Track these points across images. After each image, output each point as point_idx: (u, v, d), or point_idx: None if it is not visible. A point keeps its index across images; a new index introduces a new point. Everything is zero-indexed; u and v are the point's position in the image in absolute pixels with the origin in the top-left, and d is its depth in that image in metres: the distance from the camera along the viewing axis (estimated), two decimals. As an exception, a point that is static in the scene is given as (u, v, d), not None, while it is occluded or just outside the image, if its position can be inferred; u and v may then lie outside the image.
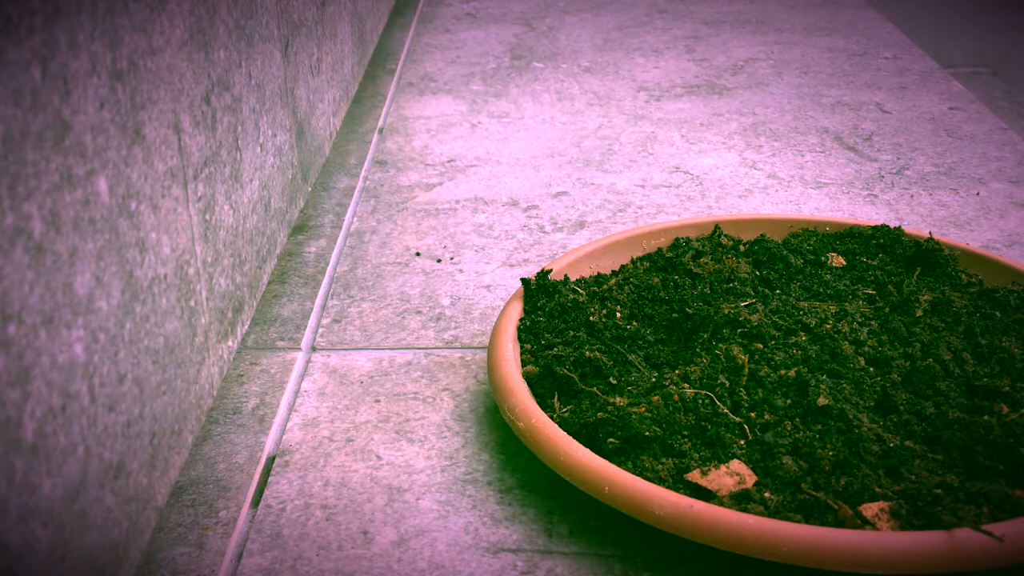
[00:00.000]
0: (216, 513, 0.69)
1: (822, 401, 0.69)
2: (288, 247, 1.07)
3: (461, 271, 1.02)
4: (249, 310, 0.92)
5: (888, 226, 0.95)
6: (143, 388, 0.65)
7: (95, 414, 0.57)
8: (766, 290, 0.86)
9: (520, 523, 0.68)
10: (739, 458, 0.66)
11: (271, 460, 0.75)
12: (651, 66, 1.66)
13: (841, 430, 0.67)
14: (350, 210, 1.16)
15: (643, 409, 0.69)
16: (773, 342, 0.76)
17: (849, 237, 0.95)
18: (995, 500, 0.61)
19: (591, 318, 0.82)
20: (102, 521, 0.58)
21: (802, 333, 0.78)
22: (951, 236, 1.06)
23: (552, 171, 1.25)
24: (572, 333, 0.80)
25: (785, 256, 0.90)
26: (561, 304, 0.84)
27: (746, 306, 0.82)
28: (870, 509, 0.61)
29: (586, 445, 0.68)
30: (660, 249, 0.94)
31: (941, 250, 0.90)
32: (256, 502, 0.70)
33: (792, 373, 0.72)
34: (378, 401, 0.81)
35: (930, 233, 0.93)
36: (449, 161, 1.29)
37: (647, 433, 0.68)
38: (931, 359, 0.75)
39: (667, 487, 0.64)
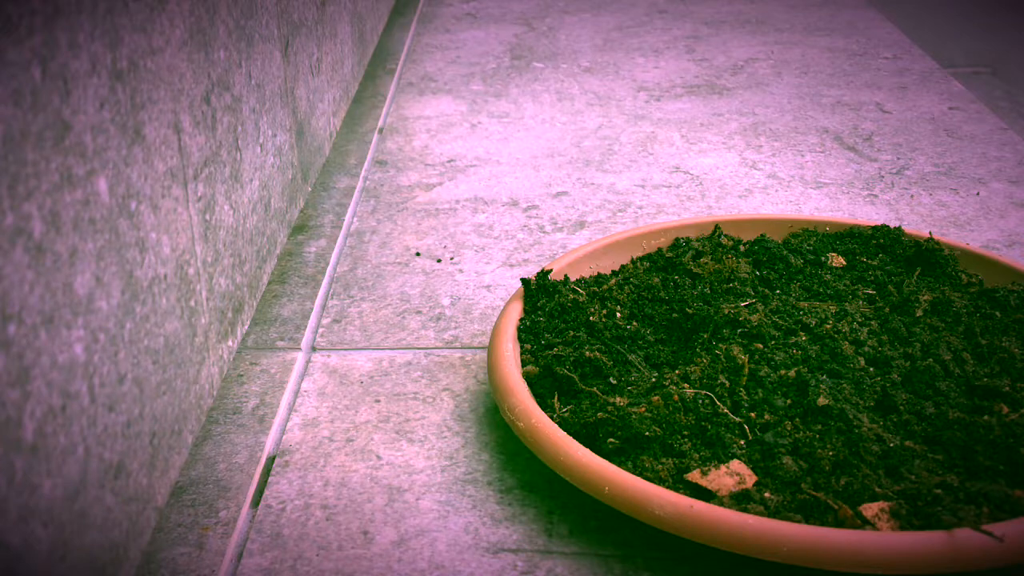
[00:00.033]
0: (216, 513, 0.69)
1: (822, 401, 0.69)
2: (288, 247, 1.07)
3: (461, 271, 1.02)
4: (249, 310, 0.92)
5: (888, 226, 0.95)
6: (143, 388, 0.65)
7: (95, 414, 0.57)
8: (766, 290, 0.86)
9: (520, 523, 0.68)
10: (739, 458, 0.66)
11: (271, 460, 0.75)
12: (651, 66, 1.66)
13: (841, 430, 0.67)
14: (350, 210, 1.16)
15: (643, 409, 0.69)
16: (773, 342, 0.76)
17: (849, 237, 0.95)
18: (995, 500, 0.61)
19: (591, 318, 0.82)
20: (102, 521, 0.58)
21: (802, 333, 0.78)
22: (951, 236, 1.06)
23: (552, 171, 1.25)
24: (572, 333, 0.80)
25: (785, 256, 0.90)
26: (561, 304, 0.84)
27: (746, 306, 0.82)
28: (870, 509, 0.61)
29: (586, 445, 0.68)
30: (660, 249, 0.94)
31: (941, 250, 0.90)
32: (256, 502, 0.70)
33: (792, 373, 0.72)
34: (378, 401, 0.81)
35: (930, 233, 0.93)
36: (449, 161, 1.29)
37: (647, 433, 0.68)
38: (931, 359, 0.75)
39: (667, 487, 0.64)
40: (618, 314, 0.83)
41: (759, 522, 0.59)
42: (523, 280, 0.86)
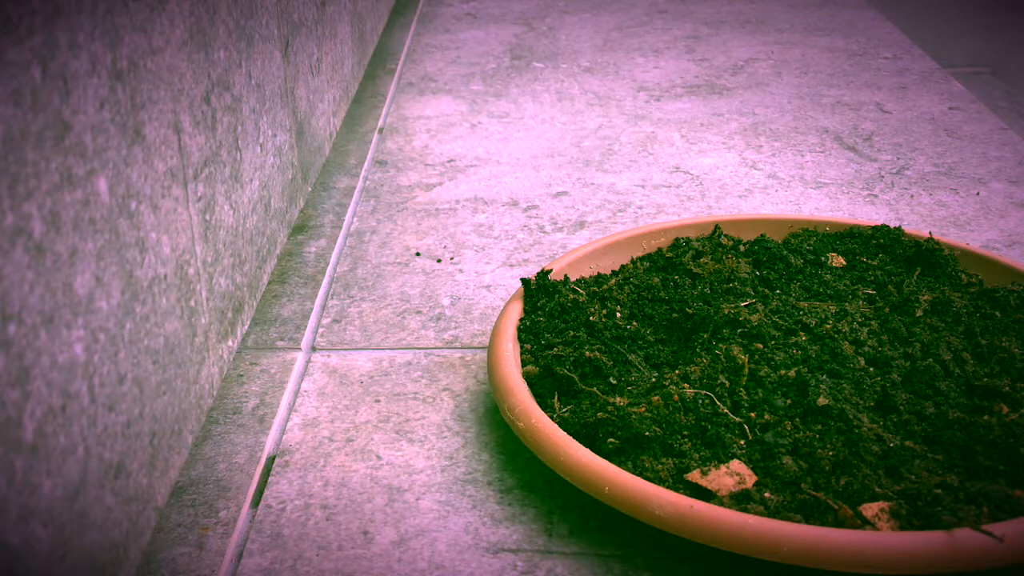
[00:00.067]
0: (216, 513, 0.69)
1: (822, 401, 0.69)
2: (288, 247, 1.07)
3: (461, 271, 1.02)
4: (249, 310, 0.92)
5: (888, 226, 0.95)
6: (143, 388, 0.65)
7: (95, 414, 0.57)
8: (766, 290, 0.86)
9: (520, 523, 0.68)
10: (739, 458, 0.66)
11: (271, 460, 0.75)
12: (651, 66, 1.66)
13: (841, 430, 0.67)
14: (350, 210, 1.16)
15: (643, 409, 0.69)
16: (773, 342, 0.76)
17: (849, 237, 0.95)
18: (995, 500, 0.61)
19: (591, 318, 0.82)
20: (102, 521, 0.58)
21: (802, 333, 0.78)
22: (951, 236, 1.06)
23: (552, 171, 1.25)
24: (572, 333, 0.80)
25: (785, 256, 0.90)
26: (561, 304, 0.84)
27: (746, 306, 0.82)
28: (870, 509, 0.61)
29: (586, 445, 0.68)
30: (660, 249, 0.94)
31: (941, 250, 0.90)
32: (256, 502, 0.70)
33: (792, 373, 0.72)
34: (378, 401, 0.81)
35: (930, 233, 0.93)
36: (449, 161, 1.29)
37: (647, 433, 0.68)
38: (931, 359, 0.75)
39: (667, 487, 0.64)
40: (618, 314, 0.83)
41: (759, 522, 0.59)
42: (523, 280, 0.86)
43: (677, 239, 0.95)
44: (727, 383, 0.72)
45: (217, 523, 0.68)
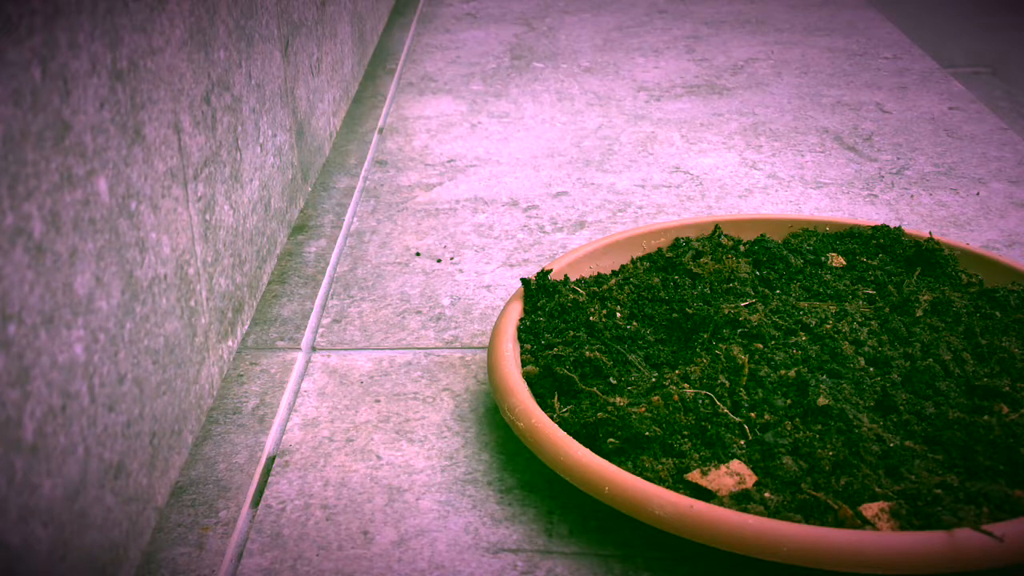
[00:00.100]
0: (216, 513, 0.69)
1: (822, 401, 0.69)
2: (288, 247, 1.07)
3: (461, 271, 1.02)
4: (249, 310, 0.92)
5: (888, 226, 0.95)
6: (143, 388, 0.65)
7: (95, 414, 0.57)
8: (766, 290, 0.86)
9: (520, 523, 0.68)
10: (739, 458, 0.66)
11: (271, 460, 0.75)
12: (651, 66, 1.66)
13: (841, 430, 0.67)
14: (350, 210, 1.16)
15: (643, 409, 0.69)
16: (773, 342, 0.76)
17: (849, 237, 0.95)
18: (995, 500, 0.61)
19: (591, 318, 0.82)
20: (102, 521, 0.58)
21: (802, 333, 0.78)
22: (951, 236, 1.06)
23: (552, 171, 1.25)
24: (572, 333, 0.80)
25: (785, 256, 0.90)
26: (561, 304, 0.84)
27: (746, 306, 0.82)
28: (870, 509, 0.61)
29: (586, 445, 0.68)
30: (660, 249, 0.94)
31: (941, 250, 0.90)
32: (256, 502, 0.70)
33: (792, 373, 0.72)
34: (378, 401, 0.81)
35: (930, 233, 0.93)
36: (449, 161, 1.29)
37: (647, 433, 0.68)
38: (931, 359, 0.75)
39: (667, 487, 0.64)
40: (618, 314, 0.83)
41: (759, 522, 0.59)
42: (523, 280, 0.86)
43: (677, 239, 0.95)
44: (727, 383, 0.72)
45: (217, 523, 0.68)
